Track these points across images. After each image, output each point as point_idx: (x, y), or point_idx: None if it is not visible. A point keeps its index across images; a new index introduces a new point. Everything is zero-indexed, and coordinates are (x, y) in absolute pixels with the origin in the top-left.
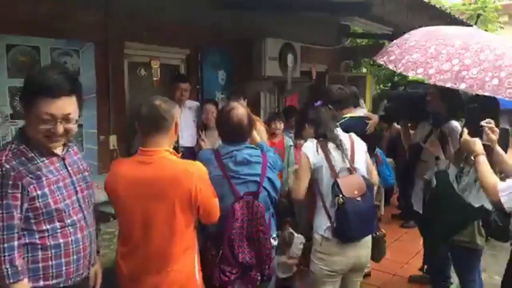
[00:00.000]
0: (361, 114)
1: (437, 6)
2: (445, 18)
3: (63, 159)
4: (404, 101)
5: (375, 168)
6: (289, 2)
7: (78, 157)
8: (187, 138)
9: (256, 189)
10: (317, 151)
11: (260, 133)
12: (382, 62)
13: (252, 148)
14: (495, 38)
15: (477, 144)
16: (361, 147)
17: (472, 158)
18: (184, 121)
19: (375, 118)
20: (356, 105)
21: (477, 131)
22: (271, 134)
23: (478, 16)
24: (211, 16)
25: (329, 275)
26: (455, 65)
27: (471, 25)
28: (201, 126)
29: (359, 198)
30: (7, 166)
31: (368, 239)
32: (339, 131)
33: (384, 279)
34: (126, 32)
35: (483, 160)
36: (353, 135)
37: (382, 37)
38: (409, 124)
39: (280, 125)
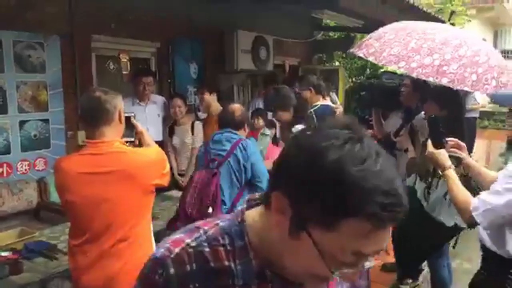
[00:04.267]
0: (329, 103)
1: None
2: (415, 11)
3: None
4: (378, 91)
5: None
6: None
7: None
8: (152, 133)
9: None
10: None
11: None
12: (361, 55)
13: (232, 133)
14: (469, 35)
15: (444, 156)
16: None
17: (440, 172)
18: (148, 116)
19: (340, 108)
20: (324, 96)
21: (440, 141)
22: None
23: (452, 13)
24: (182, 8)
25: None
26: (436, 59)
27: (442, 20)
28: (169, 121)
29: None
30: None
31: None
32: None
33: None
34: (93, 24)
35: (451, 175)
36: None
37: (353, 30)
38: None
39: (260, 122)
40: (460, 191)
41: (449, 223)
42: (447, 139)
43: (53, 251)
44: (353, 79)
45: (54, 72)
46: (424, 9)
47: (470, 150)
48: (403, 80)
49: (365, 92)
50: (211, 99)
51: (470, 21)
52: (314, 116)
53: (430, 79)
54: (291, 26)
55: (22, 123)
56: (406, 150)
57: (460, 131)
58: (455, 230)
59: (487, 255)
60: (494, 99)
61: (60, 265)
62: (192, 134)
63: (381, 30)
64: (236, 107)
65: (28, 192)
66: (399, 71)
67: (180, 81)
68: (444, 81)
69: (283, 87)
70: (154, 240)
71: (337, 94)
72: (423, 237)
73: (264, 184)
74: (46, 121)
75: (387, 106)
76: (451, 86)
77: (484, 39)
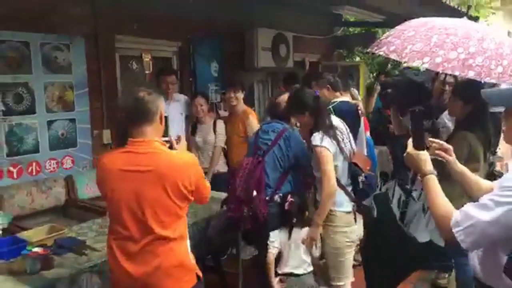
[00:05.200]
0: (348, 100)
1: None
2: (436, 4)
3: None
4: (404, 87)
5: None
6: None
7: None
8: (175, 131)
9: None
10: (332, 141)
11: (250, 127)
12: (381, 53)
13: (278, 123)
14: (488, 28)
15: (424, 160)
16: (348, 130)
17: (419, 178)
18: (172, 114)
19: (360, 103)
20: (344, 92)
21: (422, 141)
22: None
23: (469, 7)
24: (202, 7)
25: (349, 245)
26: (461, 53)
27: (464, 12)
28: (192, 120)
29: (371, 173)
30: None
31: None
32: (333, 117)
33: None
34: (116, 25)
35: (432, 182)
36: (342, 120)
37: (374, 25)
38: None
39: None
40: (441, 202)
41: (422, 238)
42: (431, 140)
43: (82, 247)
44: (374, 75)
45: (79, 72)
46: (447, 2)
47: (495, 146)
48: (428, 76)
49: (391, 89)
50: (241, 97)
51: (494, 13)
52: (332, 112)
53: (456, 73)
54: (311, 23)
55: (50, 122)
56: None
57: (485, 126)
58: (429, 249)
59: None
60: (486, 97)
61: (89, 261)
62: (214, 132)
63: (399, 28)
64: (282, 99)
65: (56, 190)
66: (422, 67)
67: (201, 79)
68: (471, 74)
69: (297, 91)
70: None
71: (358, 90)
72: (394, 255)
73: (309, 169)
74: (72, 120)
75: (412, 102)
76: (478, 79)
77: (509, 32)
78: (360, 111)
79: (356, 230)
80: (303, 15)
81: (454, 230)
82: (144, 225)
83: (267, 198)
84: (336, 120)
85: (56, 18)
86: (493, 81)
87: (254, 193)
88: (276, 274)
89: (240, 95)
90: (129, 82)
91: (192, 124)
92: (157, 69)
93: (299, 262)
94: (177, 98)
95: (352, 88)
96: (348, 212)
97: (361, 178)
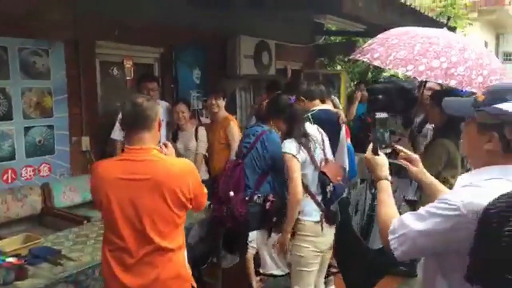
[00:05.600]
0: (329, 107)
1: (407, 3)
2: (416, 15)
3: None
4: (396, 93)
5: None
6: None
7: None
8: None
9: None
10: (300, 149)
11: (231, 133)
12: (365, 60)
13: (259, 126)
14: (468, 39)
15: (381, 165)
16: (326, 137)
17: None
18: None
19: (340, 111)
20: (323, 100)
21: (380, 146)
22: None
23: (448, 18)
24: (185, 14)
25: (315, 255)
26: (443, 62)
27: (443, 22)
28: (173, 127)
29: (341, 182)
30: None
31: None
32: (309, 125)
33: None
34: (97, 31)
35: (383, 187)
36: (319, 128)
37: (355, 34)
38: None
39: None
40: (387, 208)
41: (375, 245)
42: (398, 148)
43: (58, 256)
44: (354, 83)
45: (58, 78)
46: (425, 12)
47: None
48: (417, 83)
49: (382, 95)
50: (222, 104)
51: (471, 24)
52: (311, 120)
53: (439, 81)
54: (293, 31)
55: (27, 129)
56: None
57: (461, 133)
58: (381, 256)
59: None
60: (445, 105)
61: (64, 271)
62: (196, 139)
63: (381, 36)
64: (265, 103)
65: (32, 198)
66: (402, 75)
67: (183, 86)
68: (453, 83)
69: (274, 96)
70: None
71: (339, 98)
72: (356, 258)
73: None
74: (50, 127)
75: (401, 109)
76: (459, 88)
77: (486, 42)
78: (341, 120)
79: (324, 240)
80: (285, 23)
81: (389, 238)
82: (142, 235)
83: (246, 198)
84: (312, 128)
85: (35, 23)
86: (474, 90)
87: (231, 193)
88: (258, 274)
89: (222, 102)
90: (110, 88)
91: (173, 131)
92: (138, 76)
93: (277, 263)
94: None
95: (333, 96)
96: (316, 222)
97: (329, 188)
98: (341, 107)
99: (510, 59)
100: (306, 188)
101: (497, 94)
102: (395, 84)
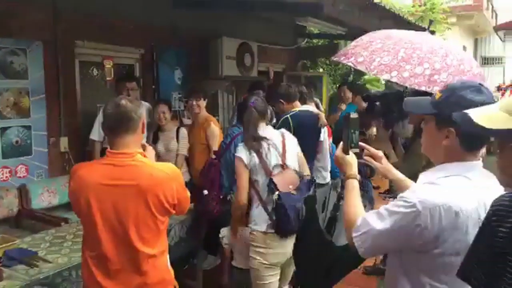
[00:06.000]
0: (309, 108)
1: (387, 7)
2: (395, 18)
3: None
4: (396, 99)
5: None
6: (243, 1)
7: None
8: None
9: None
10: (250, 152)
11: (211, 134)
12: (350, 64)
13: (237, 127)
14: (448, 43)
15: (349, 163)
16: (292, 142)
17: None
18: None
19: (321, 113)
20: (304, 102)
21: (349, 145)
22: None
23: (430, 22)
24: (167, 14)
25: (269, 268)
26: (426, 68)
27: (423, 27)
28: (155, 128)
29: (294, 192)
30: None
31: None
32: (269, 129)
33: None
34: (77, 31)
35: (352, 186)
36: (285, 132)
37: (337, 37)
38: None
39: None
40: (353, 205)
41: (340, 242)
42: (362, 145)
43: (34, 258)
44: (336, 85)
45: (36, 78)
46: (405, 17)
47: None
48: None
49: (379, 102)
50: (204, 105)
51: (450, 29)
52: (290, 121)
53: (422, 88)
54: (276, 33)
55: (3, 129)
56: (386, 156)
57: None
58: (346, 253)
59: None
60: (404, 104)
61: (40, 273)
62: (177, 140)
63: (365, 38)
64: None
65: (8, 200)
66: (383, 81)
67: (164, 87)
68: (435, 90)
69: (240, 101)
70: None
71: (321, 100)
72: (319, 256)
73: None
74: (28, 127)
75: (399, 114)
76: None
77: (465, 46)
78: (320, 121)
79: (276, 253)
80: (268, 25)
81: (353, 235)
82: (124, 241)
83: (221, 196)
84: (272, 132)
85: (13, 23)
86: None
87: (205, 191)
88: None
89: (202, 103)
90: (89, 89)
91: (154, 132)
92: (118, 76)
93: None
94: None
95: (315, 98)
96: (265, 233)
97: (274, 196)
98: (322, 108)
99: (488, 63)
100: (258, 195)
101: (452, 91)
102: (392, 89)
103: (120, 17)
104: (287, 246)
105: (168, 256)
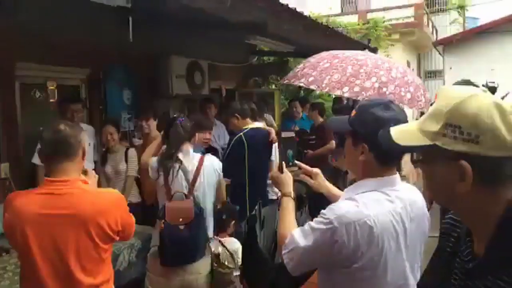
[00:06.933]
0: (260, 126)
1: (330, 26)
2: (339, 36)
3: None
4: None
5: None
6: (188, 20)
7: None
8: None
9: None
10: (158, 170)
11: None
12: (302, 84)
13: None
14: (390, 59)
15: (285, 181)
16: (211, 169)
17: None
18: None
19: (272, 129)
20: (255, 119)
21: (287, 164)
22: None
23: (369, 40)
24: (113, 33)
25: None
26: (375, 82)
27: (366, 44)
28: (101, 149)
29: (182, 226)
30: None
31: (200, 266)
32: (190, 153)
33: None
34: (17, 51)
35: (286, 205)
36: (208, 156)
37: (286, 55)
38: None
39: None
40: (286, 223)
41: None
42: (297, 163)
43: None
44: (288, 101)
45: None
46: (349, 34)
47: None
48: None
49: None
50: (154, 125)
51: (393, 45)
52: (244, 139)
53: None
54: (226, 51)
55: None
56: (347, 172)
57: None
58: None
59: None
60: (329, 123)
61: None
62: (126, 161)
63: (312, 60)
64: None
65: None
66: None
67: (113, 107)
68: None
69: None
70: None
71: (274, 116)
72: (260, 274)
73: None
74: None
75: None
76: None
77: (409, 62)
78: (271, 137)
79: (166, 283)
80: (218, 43)
81: (282, 252)
82: (66, 275)
83: None
84: (189, 158)
85: None
86: (405, 106)
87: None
88: None
89: (152, 123)
90: (32, 112)
91: (102, 153)
92: (62, 97)
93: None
94: (84, 128)
95: (266, 114)
96: (154, 259)
97: (161, 225)
98: (275, 125)
99: (431, 77)
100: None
101: (363, 108)
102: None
103: (64, 36)
104: (172, 277)
105: (113, 285)
